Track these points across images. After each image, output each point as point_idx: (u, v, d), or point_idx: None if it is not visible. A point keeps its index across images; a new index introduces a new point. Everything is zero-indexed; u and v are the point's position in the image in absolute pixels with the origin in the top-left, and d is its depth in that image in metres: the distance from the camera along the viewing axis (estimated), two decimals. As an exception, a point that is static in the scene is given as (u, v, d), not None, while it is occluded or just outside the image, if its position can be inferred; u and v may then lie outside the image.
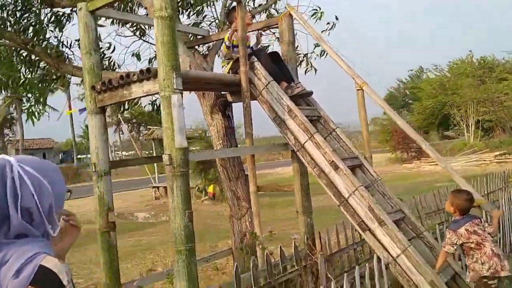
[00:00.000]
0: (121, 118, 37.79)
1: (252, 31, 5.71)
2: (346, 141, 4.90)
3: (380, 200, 4.52)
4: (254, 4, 7.33)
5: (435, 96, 41.81)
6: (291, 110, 4.62)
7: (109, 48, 6.99)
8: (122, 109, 8.55)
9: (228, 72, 5.07)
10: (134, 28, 7.11)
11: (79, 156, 52.98)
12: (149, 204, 18.35)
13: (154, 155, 19.16)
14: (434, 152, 4.65)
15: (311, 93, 4.99)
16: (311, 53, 7.40)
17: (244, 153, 4.97)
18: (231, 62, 5.09)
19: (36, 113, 7.07)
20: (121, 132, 52.75)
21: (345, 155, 4.82)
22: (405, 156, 27.42)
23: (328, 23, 7.56)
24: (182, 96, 3.90)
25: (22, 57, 6.85)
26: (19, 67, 6.87)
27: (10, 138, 51.15)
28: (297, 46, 6.30)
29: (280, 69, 5.03)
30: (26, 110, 7.10)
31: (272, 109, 4.77)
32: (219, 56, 6.20)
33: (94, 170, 4.51)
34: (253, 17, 6.13)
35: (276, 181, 19.48)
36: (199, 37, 6.35)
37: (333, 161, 4.36)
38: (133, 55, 7.03)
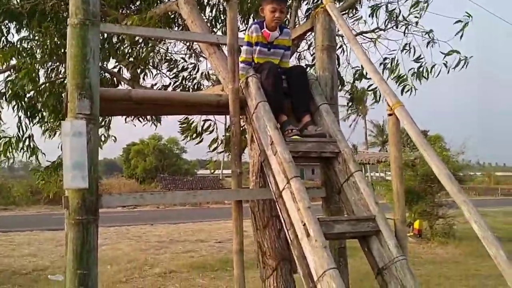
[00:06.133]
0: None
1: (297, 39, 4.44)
2: (366, 192, 3.18)
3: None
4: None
5: None
6: (273, 144, 3.23)
7: (194, 68, 6.54)
8: None
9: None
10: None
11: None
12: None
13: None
14: None
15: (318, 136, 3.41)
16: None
17: (210, 198, 3.74)
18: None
19: None
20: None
21: (362, 214, 3.16)
22: None
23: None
24: (95, 123, 3.06)
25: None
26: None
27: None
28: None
29: (294, 89, 3.65)
30: None
31: (261, 142, 3.44)
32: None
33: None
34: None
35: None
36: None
37: (305, 223, 2.82)
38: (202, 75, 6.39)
